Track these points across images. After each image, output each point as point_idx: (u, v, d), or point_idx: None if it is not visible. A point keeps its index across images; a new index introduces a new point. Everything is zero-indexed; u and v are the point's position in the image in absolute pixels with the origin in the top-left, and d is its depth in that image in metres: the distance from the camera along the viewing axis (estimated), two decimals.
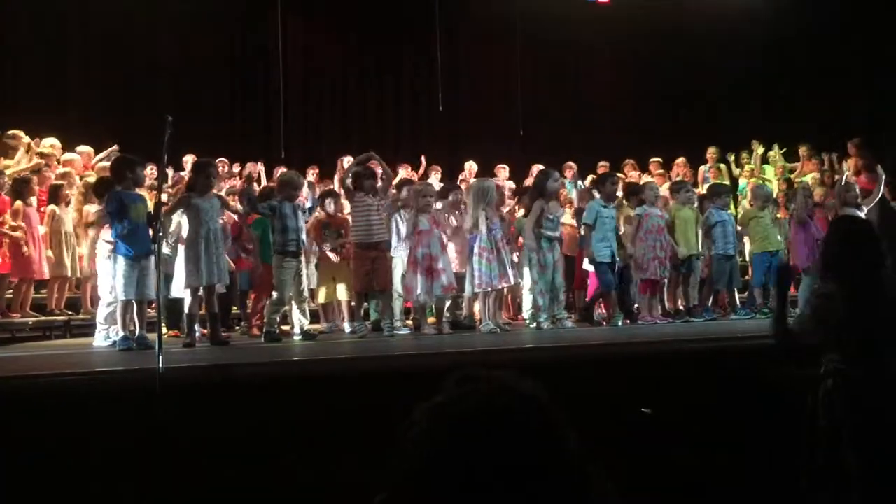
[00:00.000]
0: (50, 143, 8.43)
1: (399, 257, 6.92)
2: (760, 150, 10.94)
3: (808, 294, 3.50)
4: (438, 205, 6.99)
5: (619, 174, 11.01)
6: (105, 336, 6.03)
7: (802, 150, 11.06)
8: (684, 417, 3.85)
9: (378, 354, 4.98)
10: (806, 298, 3.61)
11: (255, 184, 8.67)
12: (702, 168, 11.27)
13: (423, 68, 13.36)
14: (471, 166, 11.32)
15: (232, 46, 12.52)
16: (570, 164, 10.93)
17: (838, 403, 3.11)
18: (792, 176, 10.88)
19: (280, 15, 11.88)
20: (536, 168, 8.13)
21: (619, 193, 7.82)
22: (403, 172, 10.87)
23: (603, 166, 11.26)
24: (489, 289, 6.65)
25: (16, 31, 10.83)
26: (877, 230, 3.81)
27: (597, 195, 7.44)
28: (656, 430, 3.69)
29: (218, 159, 10.15)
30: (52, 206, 7.49)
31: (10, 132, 8.16)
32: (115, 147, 8.98)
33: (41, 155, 8.21)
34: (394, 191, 7.33)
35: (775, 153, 11.10)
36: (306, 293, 6.80)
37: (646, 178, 11.22)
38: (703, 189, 10.97)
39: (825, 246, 3.48)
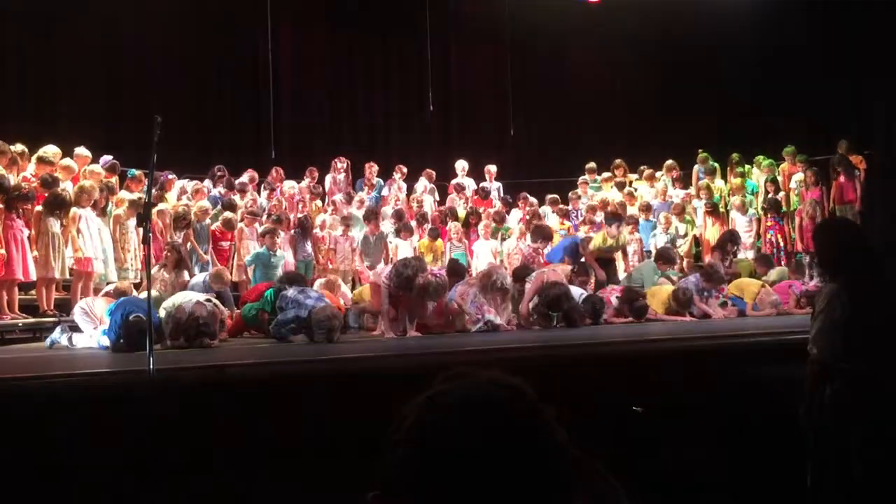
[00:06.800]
0: (52, 152, 8.43)
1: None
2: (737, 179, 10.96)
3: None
4: None
5: (608, 174, 11.12)
6: (59, 332, 6.31)
7: (788, 153, 11.11)
8: (679, 416, 3.85)
9: (371, 354, 4.97)
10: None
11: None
12: (695, 168, 11.30)
13: (413, 68, 13.36)
14: (462, 165, 11.38)
15: (223, 47, 12.47)
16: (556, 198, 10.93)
17: (846, 404, 3.09)
18: (779, 178, 10.94)
19: (270, 15, 11.84)
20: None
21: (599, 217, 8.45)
22: (399, 174, 10.95)
23: (591, 170, 11.34)
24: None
25: (4, 33, 10.76)
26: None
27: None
28: (649, 428, 3.70)
29: (217, 166, 10.21)
30: (38, 209, 7.47)
31: None
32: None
33: (40, 160, 8.18)
34: None
35: (759, 161, 11.18)
36: None
37: (637, 182, 11.31)
38: (693, 190, 11.03)
39: (817, 250, 3.45)
